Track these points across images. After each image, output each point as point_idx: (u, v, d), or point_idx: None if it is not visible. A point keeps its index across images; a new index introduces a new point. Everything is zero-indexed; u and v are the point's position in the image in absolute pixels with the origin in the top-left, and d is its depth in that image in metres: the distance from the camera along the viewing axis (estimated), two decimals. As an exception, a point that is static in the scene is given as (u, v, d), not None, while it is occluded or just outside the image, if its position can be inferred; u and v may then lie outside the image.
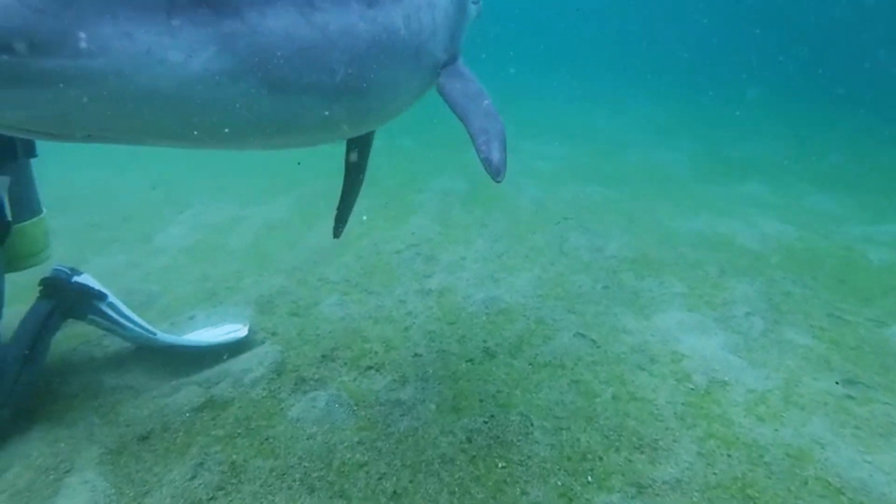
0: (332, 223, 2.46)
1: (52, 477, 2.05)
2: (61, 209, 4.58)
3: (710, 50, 18.06)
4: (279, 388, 2.55)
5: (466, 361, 2.77)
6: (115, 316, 2.71)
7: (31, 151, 2.47)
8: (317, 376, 2.63)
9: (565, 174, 6.14)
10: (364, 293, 3.41)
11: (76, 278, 2.71)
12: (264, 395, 2.51)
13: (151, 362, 2.71)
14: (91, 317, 2.69)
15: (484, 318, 3.15)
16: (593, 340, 2.97)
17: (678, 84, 13.42)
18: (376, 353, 2.82)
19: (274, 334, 2.95)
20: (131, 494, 1.99)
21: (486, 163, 1.62)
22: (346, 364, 2.73)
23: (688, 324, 3.16)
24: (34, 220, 2.50)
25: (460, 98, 1.77)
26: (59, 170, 5.67)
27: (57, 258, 3.60)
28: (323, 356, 2.77)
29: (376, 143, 2.35)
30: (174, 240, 4.27)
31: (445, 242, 4.17)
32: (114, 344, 2.84)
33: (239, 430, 2.29)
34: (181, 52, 0.95)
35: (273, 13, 1.07)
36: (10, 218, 2.33)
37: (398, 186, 5.49)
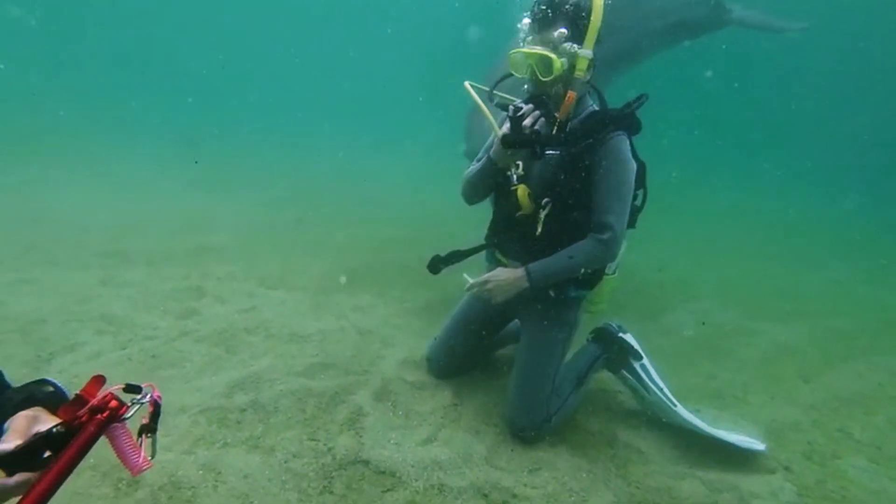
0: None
1: (573, 498, 2.30)
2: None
3: None
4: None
5: None
6: (644, 378, 2.90)
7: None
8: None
9: None
10: (904, 472, 2.77)
11: (622, 334, 3.03)
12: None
13: (661, 435, 2.81)
14: (623, 372, 2.96)
15: None
16: None
17: None
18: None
19: (787, 470, 2.66)
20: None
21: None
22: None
23: None
24: (611, 276, 2.89)
25: None
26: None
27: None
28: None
29: None
30: (682, 327, 4.38)
31: None
32: (628, 402, 3.05)
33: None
34: None
35: None
36: (607, 272, 2.77)
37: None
